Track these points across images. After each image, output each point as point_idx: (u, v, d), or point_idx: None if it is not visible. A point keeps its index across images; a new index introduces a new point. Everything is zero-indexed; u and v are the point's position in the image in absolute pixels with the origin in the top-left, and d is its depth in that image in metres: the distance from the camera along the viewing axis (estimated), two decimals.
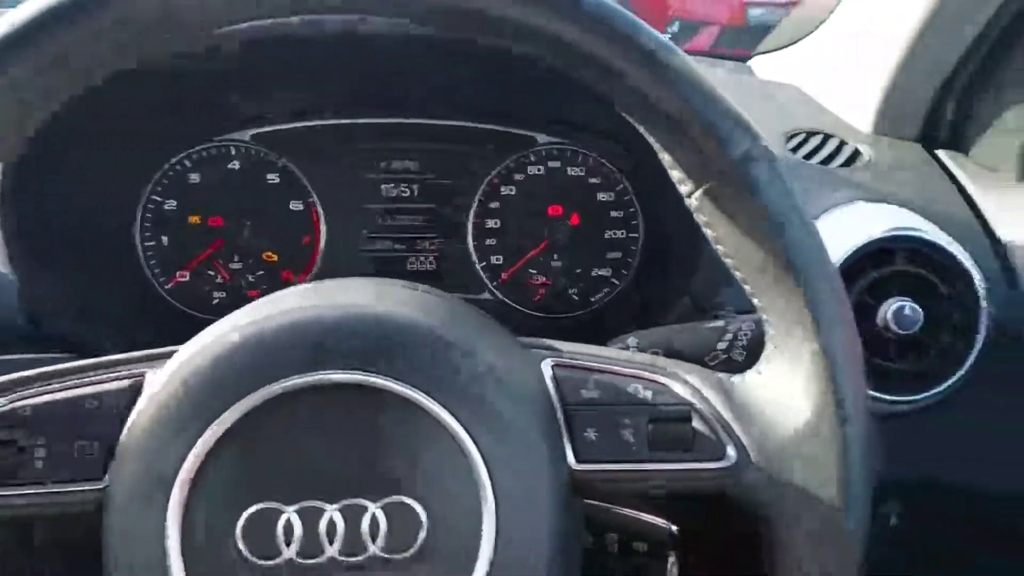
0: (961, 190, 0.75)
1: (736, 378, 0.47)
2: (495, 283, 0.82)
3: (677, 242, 0.78)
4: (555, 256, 0.81)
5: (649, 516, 0.66)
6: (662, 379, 0.47)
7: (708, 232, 0.45)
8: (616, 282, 0.82)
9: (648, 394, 0.47)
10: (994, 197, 0.73)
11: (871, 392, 0.65)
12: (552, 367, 0.48)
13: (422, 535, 0.42)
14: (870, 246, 0.66)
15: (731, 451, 0.45)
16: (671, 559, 0.66)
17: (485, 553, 0.42)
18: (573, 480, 0.46)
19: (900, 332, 0.64)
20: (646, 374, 0.48)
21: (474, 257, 0.81)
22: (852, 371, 0.44)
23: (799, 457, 0.44)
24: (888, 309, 0.64)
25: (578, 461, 0.46)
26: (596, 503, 0.68)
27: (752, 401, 0.46)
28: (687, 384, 0.47)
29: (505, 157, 0.81)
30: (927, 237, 0.66)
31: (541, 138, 0.81)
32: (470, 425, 0.43)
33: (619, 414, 0.46)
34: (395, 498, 0.42)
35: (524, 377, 0.46)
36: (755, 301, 0.45)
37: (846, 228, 0.68)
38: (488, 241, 0.81)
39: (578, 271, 0.82)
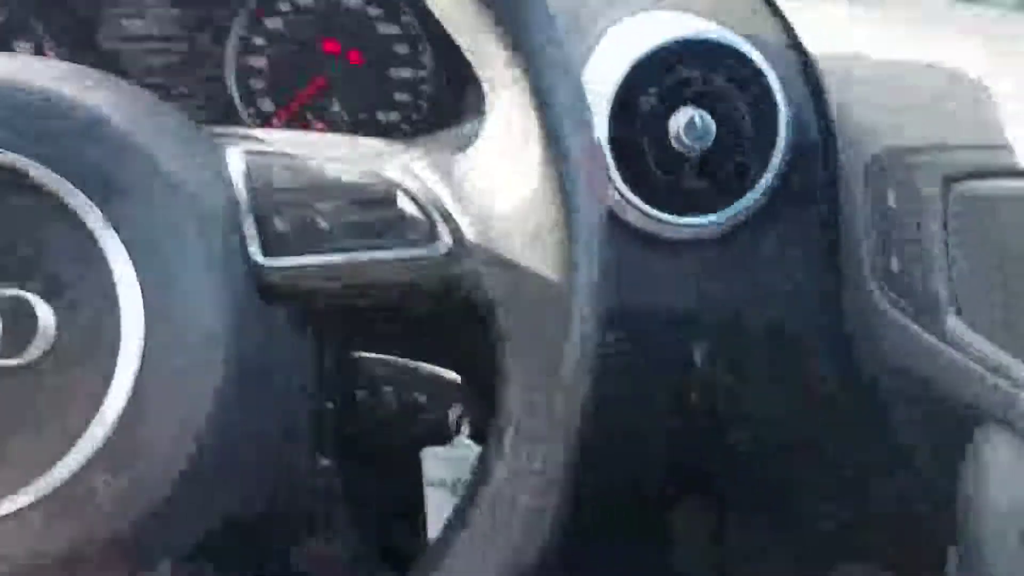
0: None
1: (460, 155, 0.40)
2: None
3: (471, 81, 0.70)
4: (334, 99, 0.72)
5: (430, 366, 0.61)
6: (368, 158, 0.40)
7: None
8: (405, 128, 0.73)
9: (351, 175, 0.40)
10: (806, 8, 0.68)
11: (666, 215, 0.60)
12: (240, 154, 0.40)
13: (47, 338, 0.35)
14: (661, 51, 0.59)
15: (445, 235, 0.39)
16: (454, 409, 0.61)
17: (129, 363, 0.35)
18: (262, 279, 0.39)
19: (691, 146, 0.58)
20: (348, 155, 0.40)
21: (239, 102, 0.71)
22: (580, 145, 0.38)
23: (520, 236, 0.38)
24: (680, 119, 0.58)
25: (266, 255, 0.39)
26: (374, 356, 0.62)
27: (467, 178, 0.39)
28: (400, 162, 0.40)
29: None
30: (723, 40, 0.60)
31: None
32: (120, 221, 0.36)
33: (314, 199, 0.39)
34: (13, 294, 0.34)
35: (197, 165, 0.39)
36: (480, 74, 0.39)
37: (636, 37, 0.61)
38: (254, 83, 0.71)
39: (362, 116, 0.73)
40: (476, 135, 0.42)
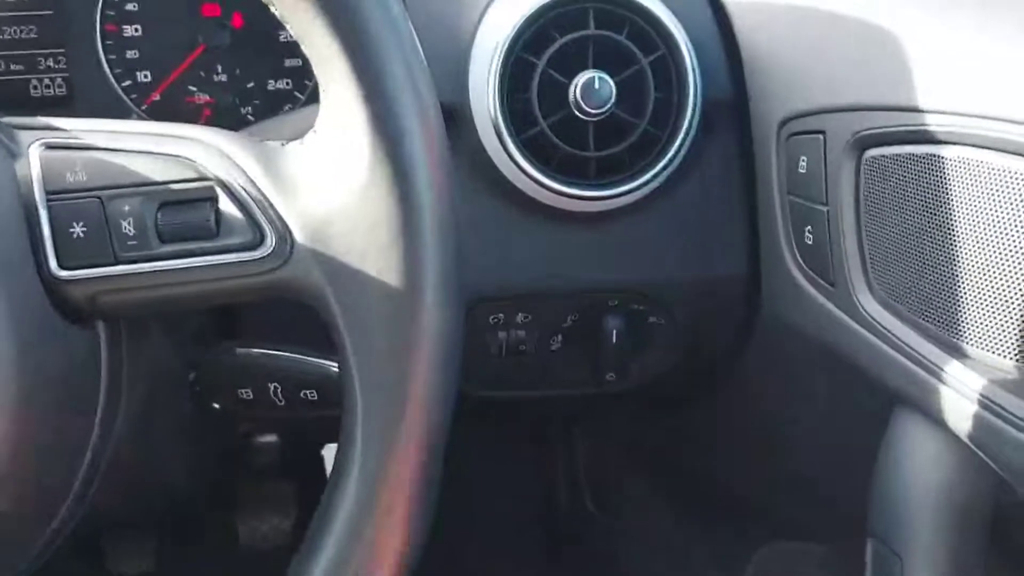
0: None
1: (291, 145, 0.36)
2: (143, 106, 0.66)
3: None
4: (217, 67, 0.67)
5: (314, 358, 0.56)
6: (183, 151, 0.35)
7: None
8: (299, 96, 0.68)
9: (164, 171, 0.35)
10: None
11: (572, 188, 0.56)
12: (37, 149, 0.35)
13: None
14: (558, 6, 0.54)
15: (272, 236, 0.35)
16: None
17: None
18: (59, 293, 0.34)
19: (592, 111, 0.54)
20: (160, 148, 0.35)
21: (110, 75, 0.65)
22: (416, 131, 0.34)
23: (355, 233, 0.34)
24: (577, 84, 0.54)
25: (62, 267, 0.34)
26: (253, 351, 0.58)
27: (297, 171, 0.35)
28: (215, 152, 0.35)
29: None
30: None
31: None
32: None
33: (117, 200, 0.34)
34: None
35: None
36: (308, 54, 0.35)
37: None
38: (128, 53, 0.65)
39: (249, 85, 0.67)
40: (310, 122, 0.38)
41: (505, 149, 0.54)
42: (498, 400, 0.68)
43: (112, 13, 0.64)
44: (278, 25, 0.67)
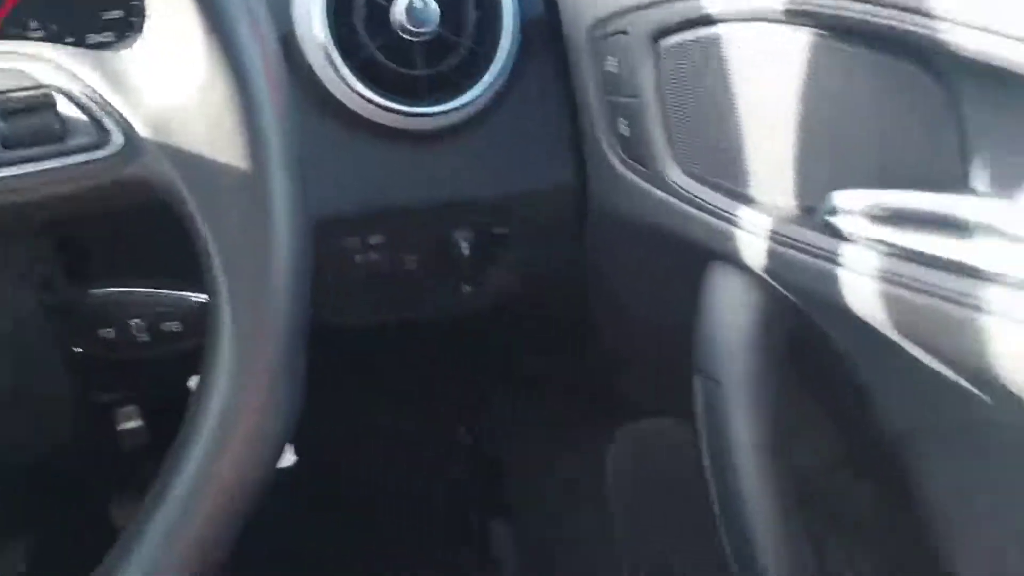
0: None
1: (124, 51, 0.38)
2: None
3: None
4: (31, 21, 0.66)
5: (173, 291, 0.57)
6: (17, 64, 0.37)
7: None
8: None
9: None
10: None
11: (402, 106, 0.59)
12: None
13: None
14: None
15: (116, 134, 0.37)
16: None
17: None
18: None
19: (417, 32, 0.58)
20: None
21: None
22: (244, 23, 0.37)
23: (199, 124, 0.36)
24: (400, 7, 0.57)
25: None
26: (104, 291, 0.59)
27: (134, 72, 0.37)
28: (48, 63, 0.37)
29: None
30: None
31: None
32: None
33: None
34: None
35: None
36: None
37: None
38: None
39: (68, 40, 0.66)
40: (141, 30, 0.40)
41: (338, 74, 0.58)
42: (363, 331, 0.72)
43: None
44: None
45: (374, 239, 0.64)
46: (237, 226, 0.37)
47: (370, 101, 0.58)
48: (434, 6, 0.58)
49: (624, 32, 0.55)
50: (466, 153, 0.63)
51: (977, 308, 0.36)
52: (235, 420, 0.38)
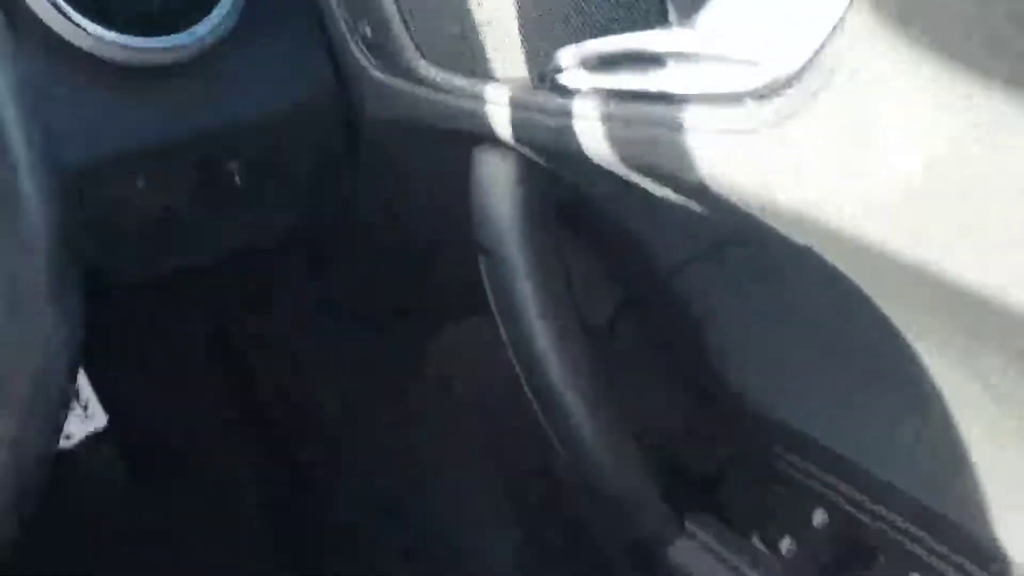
0: None
1: None
2: None
3: None
4: None
5: None
6: None
7: None
8: None
9: None
10: None
11: (129, 39, 0.58)
12: None
13: None
14: None
15: None
16: None
17: None
18: None
19: None
20: None
21: None
22: None
23: None
24: None
25: None
26: None
27: None
28: None
29: None
30: None
31: None
32: None
33: None
34: None
35: None
36: None
37: None
38: None
39: None
40: None
41: (62, 13, 0.56)
42: (152, 282, 0.71)
43: None
44: None
45: (140, 183, 0.63)
46: None
47: (100, 39, 0.57)
48: None
49: None
50: (216, 81, 0.63)
51: (679, 128, 0.41)
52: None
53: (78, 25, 0.56)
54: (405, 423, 0.90)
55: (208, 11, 0.60)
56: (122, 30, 0.57)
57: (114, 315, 0.71)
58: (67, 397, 0.43)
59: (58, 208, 0.40)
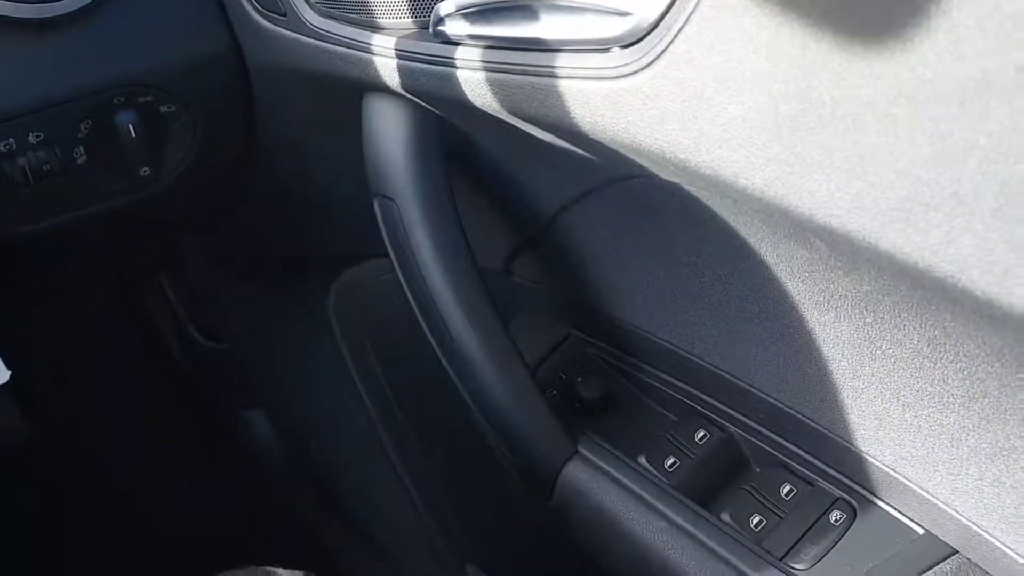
0: None
1: None
2: None
3: None
4: None
5: None
6: None
7: None
8: None
9: None
10: None
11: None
12: None
13: None
14: None
15: None
16: None
17: None
18: None
19: None
20: None
21: None
22: None
23: None
24: None
25: None
26: None
27: None
28: None
29: None
30: None
31: None
32: None
33: None
34: None
35: None
36: None
37: None
38: None
39: None
40: None
41: None
42: (48, 236, 0.70)
43: None
44: None
45: (33, 137, 0.63)
46: None
47: None
48: None
49: None
50: (103, 33, 0.62)
51: (552, 75, 0.44)
52: None
53: None
54: (308, 366, 0.92)
55: None
56: None
57: (10, 269, 0.70)
58: None
59: None
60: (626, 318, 0.63)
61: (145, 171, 0.68)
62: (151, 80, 0.65)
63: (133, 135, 0.65)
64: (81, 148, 0.65)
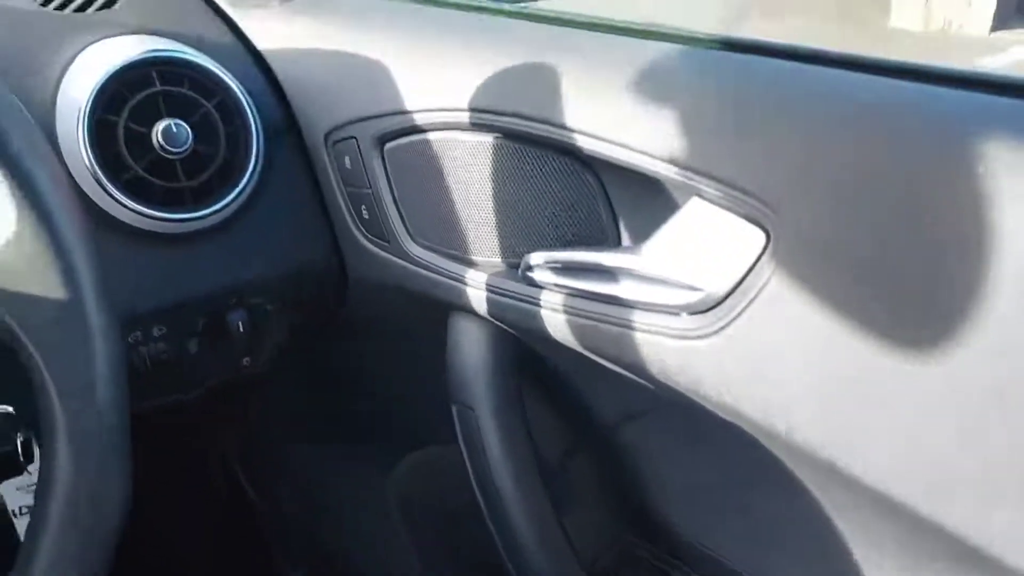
0: (221, 15, 0.80)
1: None
2: None
3: None
4: None
5: None
6: None
7: None
8: None
9: None
10: (249, 15, 0.79)
11: (163, 212, 0.68)
12: None
13: None
14: (125, 72, 0.66)
15: None
16: (21, 440, 0.64)
17: None
18: None
19: (175, 150, 0.67)
20: None
21: None
22: (44, 176, 0.45)
23: (18, 266, 0.44)
24: (157, 131, 0.66)
25: None
26: None
27: None
28: None
29: None
30: (180, 55, 0.69)
31: None
32: None
33: None
34: None
35: None
36: None
37: (101, 60, 0.67)
38: None
39: None
40: None
41: (108, 194, 0.65)
42: (154, 413, 0.78)
43: None
44: None
45: (156, 330, 0.72)
46: (61, 345, 0.44)
47: (140, 213, 0.66)
48: (186, 128, 0.67)
49: (353, 138, 0.68)
50: (230, 247, 0.72)
51: (626, 326, 0.52)
52: (75, 506, 0.46)
53: (122, 204, 0.65)
54: (360, 535, 0.97)
55: (229, 189, 0.70)
56: (156, 205, 0.67)
57: None
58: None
59: (122, 360, 0.48)
60: (678, 524, 0.68)
61: (246, 361, 0.76)
62: (264, 287, 0.74)
63: (241, 331, 0.74)
64: (195, 341, 0.74)
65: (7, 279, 0.44)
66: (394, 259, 0.69)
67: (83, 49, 0.69)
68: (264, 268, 0.74)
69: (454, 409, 0.67)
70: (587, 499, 0.76)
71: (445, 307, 0.67)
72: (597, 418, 0.70)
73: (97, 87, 0.65)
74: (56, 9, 0.75)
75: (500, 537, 0.67)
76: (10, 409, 0.62)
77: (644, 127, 0.51)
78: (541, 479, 0.68)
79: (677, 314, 0.50)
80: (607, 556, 0.73)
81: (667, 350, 0.50)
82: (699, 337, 0.48)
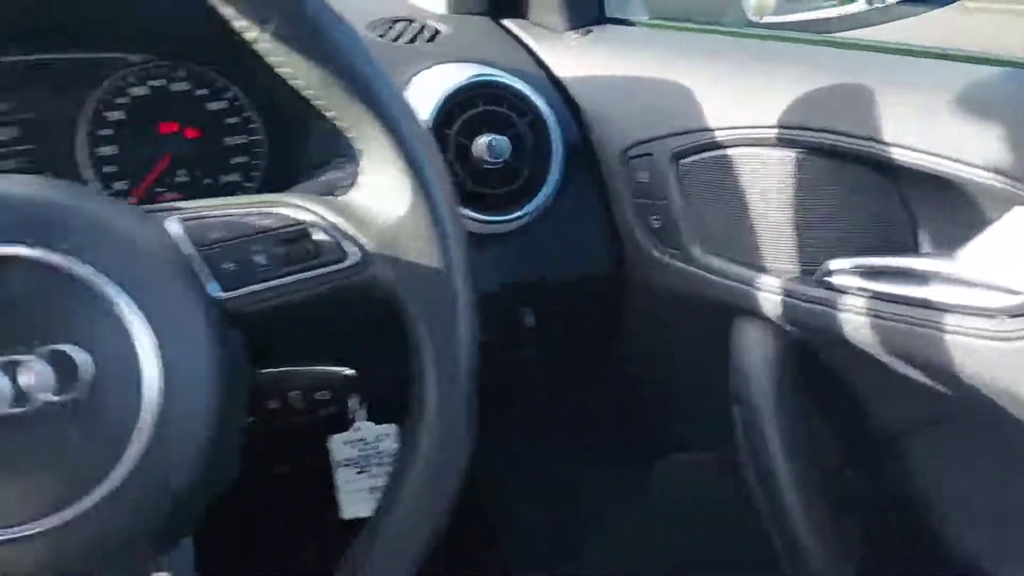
0: (525, 47, 0.89)
1: (342, 197, 0.54)
2: None
3: (294, 128, 0.83)
4: (180, 171, 0.83)
5: (326, 368, 0.72)
6: (277, 209, 0.53)
7: (286, 71, 0.50)
8: (249, 184, 0.85)
9: (269, 223, 0.53)
10: (550, 47, 0.88)
11: (476, 214, 0.77)
12: (178, 221, 0.52)
13: (85, 381, 0.45)
14: (457, 94, 0.76)
15: (352, 251, 0.53)
16: (352, 401, 0.73)
17: (152, 389, 0.46)
18: (225, 310, 0.51)
19: (493, 161, 0.76)
20: (262, 208, 0.53)
21: (97, 187, 0.80)
22: (435, 170, 0.53)
23: (407, 242, 0.52)
24: (480, 144, 0.76)
25: (225, 290, 0.51)
26: (275, 371, 0.73)
27: (359, 209, 0.54)
28: (300, 208, 0.54)
29: (99, 82, 0.80)
30: (501, 80, 0.78)
31: (134, 58, 0.81)
32: (121, 282, 0.47)
33: (248, 244, 0.52)
34: (53, 347, 0.45)
35: (152, 233, 0.51)
36: (341, 126, 0.53)
37: (434, 84, 0.78)
38: (107, 169, 0.80)
39: (206, 181, 0.84)
40: (352, 177, 0.56)
41: None
42: None
43: (90, 139, 0.79)
44: (224, 132, 0.85)
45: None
46: (437, 310, 0.52)
47: (469, 217, 0.76)
48: (507, 142, 0.76)
49: (650, 155, 0.75)
50: (528, 249, 0.81)
51: (937, 328, 0.54)
52: (442, 447, 0.54)
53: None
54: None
55: (532, 198, 0.78)
56: (473, 209, 0.76)
57: None
58: None
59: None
60: (971, 549, 0.68)
61: (532, 353, 0.84)
62: (552, 288, 0.82)
63: (530, 324, 0.82)
64: (491, 331, 0.82)
65: (399, 249, 0.53)
66: (683, 266, 0.74)
67: (417, 73, 0.81)
68: (552, 270, 0.82)
69: (735, 408, 0.71)
70: (857, 509, 0.77)
71: (731, 311, 0.72)
72: (878, 426, 0.71)
73: (439, 104, 0.75)
74: (392, 41, 0.88)
75: (779, 537, 0.70)
76: (353, 372, 0.72)
77: (963, 139, 0.53)
78: (821, 482, 0.70)
79: (994, 316, 0.51)
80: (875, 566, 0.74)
81: (982, 352, 0.52)
82: (1018, 339, 0.50)
